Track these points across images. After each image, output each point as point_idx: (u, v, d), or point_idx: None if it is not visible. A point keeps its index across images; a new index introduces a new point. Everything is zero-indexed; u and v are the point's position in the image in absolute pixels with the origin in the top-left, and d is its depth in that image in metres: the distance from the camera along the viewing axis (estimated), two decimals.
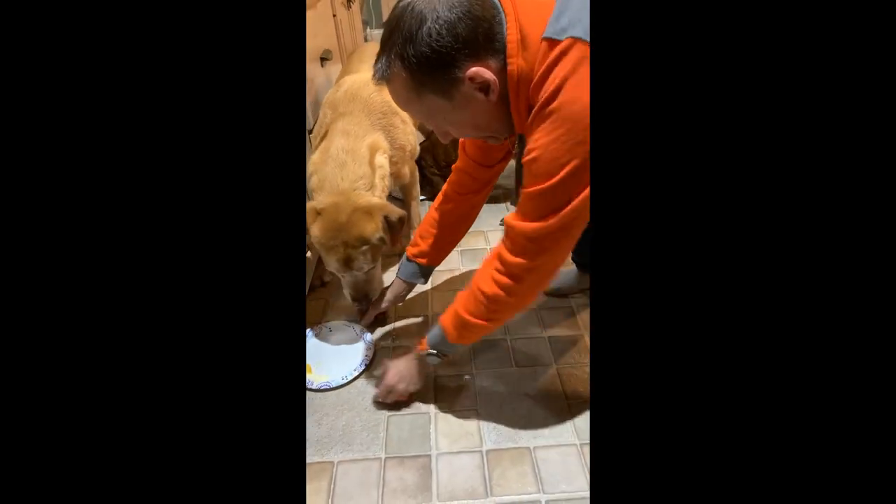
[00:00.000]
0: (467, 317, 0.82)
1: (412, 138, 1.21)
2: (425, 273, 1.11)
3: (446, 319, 0.87)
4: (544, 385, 1.00)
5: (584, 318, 1.16)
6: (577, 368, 1.03)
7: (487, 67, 0.66)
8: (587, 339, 1.10)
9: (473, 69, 0.65)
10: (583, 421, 0.92)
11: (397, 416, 0.96)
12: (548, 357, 1.07)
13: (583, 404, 0.95)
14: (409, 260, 1.10)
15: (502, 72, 0.67)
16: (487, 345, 1.10)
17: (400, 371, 0.95)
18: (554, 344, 1.10)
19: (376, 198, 1.04)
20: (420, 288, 1.20)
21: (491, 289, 0.78)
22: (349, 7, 1.62)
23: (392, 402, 0.97)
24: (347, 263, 1.01)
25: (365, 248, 1.00)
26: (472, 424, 0.93)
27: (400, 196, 1.39)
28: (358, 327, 1.14)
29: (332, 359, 1.08)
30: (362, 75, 1.16)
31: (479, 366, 1.06)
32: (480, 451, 0.88)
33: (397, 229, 1.04)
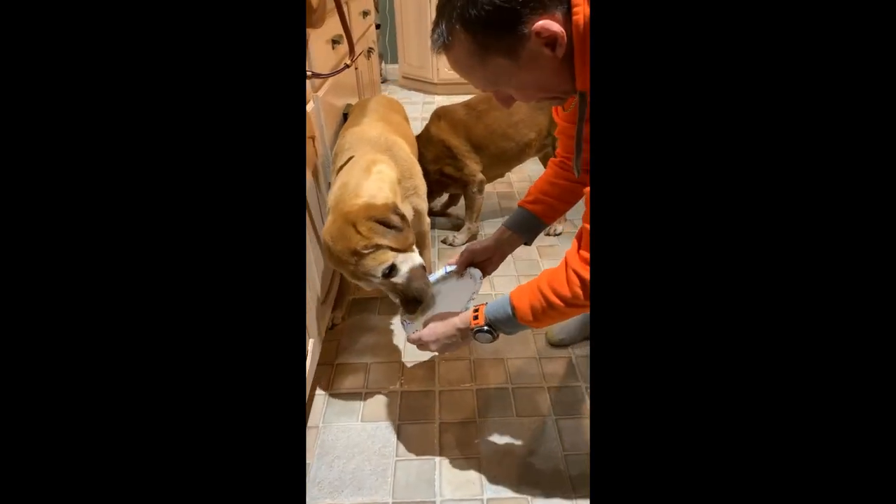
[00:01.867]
0: (553, 298, 0.75)
1: (419, 175, 1.19)
2: (533, 227, 1.03)
3: (521, 297, 0.79)
4: (543, 436, 1.06)
5: (583, 369, 1.23)
6: (575, 420, 1.10)
7: (553, 20, 0.63)
8: (584, 389, 1.17)
9: (540, 23, 0.62)
10: (577, 474, 0.98)
11: (404, 462, 1.02)
12: (547, 407, 1.13)
13: (578, 457, 1.01)
14: (519, 207, 1.03)
15: (567, 23, 0.63)
16: (491, 393, 1.17)
17: (437, 335, 0.90)
18: (553, 395, 1.16)
19: (361, 200, 0.95)
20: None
21: (587, 272, 0.71)
22: (369, 57, 1.71)
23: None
24: (358, 278, 0.96)
25: (357, 259, 0.92)
26: (473, 473, 0.99)
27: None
28: (477, 273, 1.04)
29: (445, 299, 1.03)
30: (364, 127, 1.19)
31: (482, 414, 1.12)
32: (481, 500, 0.94)
33: (393, 220, 0.93)
